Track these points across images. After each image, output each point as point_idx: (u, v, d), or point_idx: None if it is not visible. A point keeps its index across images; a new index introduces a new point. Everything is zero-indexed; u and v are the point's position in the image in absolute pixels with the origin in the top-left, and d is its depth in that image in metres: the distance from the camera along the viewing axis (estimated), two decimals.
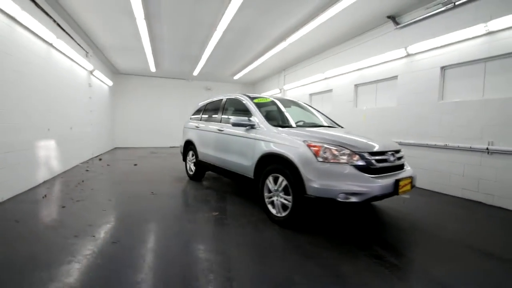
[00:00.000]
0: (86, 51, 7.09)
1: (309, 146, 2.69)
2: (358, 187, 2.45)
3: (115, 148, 11.38)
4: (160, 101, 12.32)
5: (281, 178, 2.89)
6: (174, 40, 6.95)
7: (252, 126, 3.46)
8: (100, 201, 3.67)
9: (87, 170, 5.95)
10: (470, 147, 4.16)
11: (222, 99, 4.55)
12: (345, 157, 2.57)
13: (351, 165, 2.55)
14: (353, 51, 6.53)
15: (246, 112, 4.02)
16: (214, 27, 5.92)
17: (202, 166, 4.84)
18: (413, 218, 3.31)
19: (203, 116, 5.07)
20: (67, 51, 5.60)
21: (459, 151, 4.35)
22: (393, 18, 5.35)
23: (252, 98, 3.89)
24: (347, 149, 2.61)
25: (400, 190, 2.63)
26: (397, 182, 2.60)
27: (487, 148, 3.94)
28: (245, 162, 3.46)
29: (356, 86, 6.65)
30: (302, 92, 8.95)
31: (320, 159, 2.58)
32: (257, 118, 3.46)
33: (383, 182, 2.53)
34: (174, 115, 12.49)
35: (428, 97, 4.87)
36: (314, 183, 2.53)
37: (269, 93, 11.38)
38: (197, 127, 5.01)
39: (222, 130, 4.09)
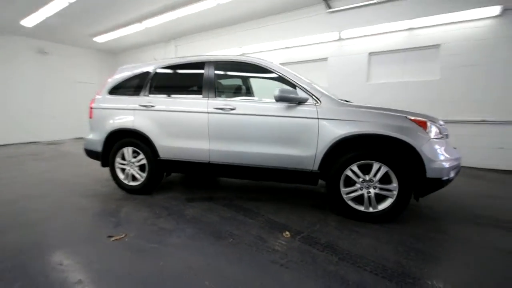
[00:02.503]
0: None
1: (417, 122, 2.29)
2: (456, 161, 2.39)
3: None
4: None
5: (376, 165, 2.30)
6: None
7: (300, 102, 2.51)
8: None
9: None
10: None
11: (202, 64, 2.95)
12: (440, 131, 2.41)
13: (446, 139, 2.45)
14: (281, 27, 6.35)
15: (255, 82, 2.91)
16: None
17: (165, 169, 3.07)
18: None
19: (155, 91, 3.11)
20: None
21: None
22: (326, 1, 5.63)
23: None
24: (435, 122, 2.46)
25: None
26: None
27: None
28: (301, 152, 2.49)
29: (282, 65, 6.59)
30: None
31: (431, 136, 2.27)
32: (313, 91, 2.55)
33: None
34: None
35: (357, 78, 5.65)
36: (435, 163, 2.20)
37: None
38: (146, 106, 3.02)
39: (232, 110, 2.68)
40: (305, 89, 2.55)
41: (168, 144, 2.94)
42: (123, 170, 3.24)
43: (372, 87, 5.51)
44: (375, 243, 2.03)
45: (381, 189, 2.34)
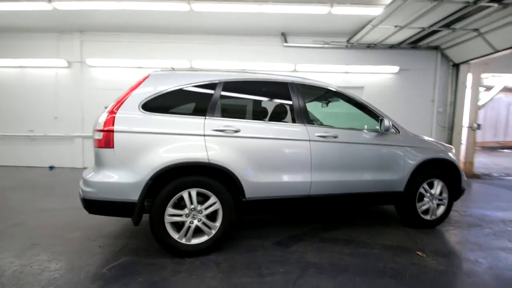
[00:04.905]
0: None
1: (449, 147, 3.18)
2: None
3: None
4: None
5: (436, 182, 2.98)
6: None
7: (387, 130, 2.83)
8: None
9: None
10: None
11: (285, 84, 2.63)
12: None
13: None
14: (238, 48, 6.28)
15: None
16: None
17: (249, 212, 2.42)
18: None
19: (227, 112, 2.41)
20: None
21: None
22: (284, 36, 6.23)
23: None
24: None
25: None
26: None
27: None
28: (392, 176, 2.79)
29: None
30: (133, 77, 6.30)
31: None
32: (391, 120, 2.91)
33: None
34: None
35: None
36: (464, 176, 3.15)
37: (36, 62, 6.24)
38: (225, 132, 2.26)
39: (335, 137, 2.56)
40: (387, 119, 2.89)
41: (261, 180, 2.35)
42: (176, 224, 2.20)
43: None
44: (467, 244, 2.65)
45: (439, 200, 3.03)
